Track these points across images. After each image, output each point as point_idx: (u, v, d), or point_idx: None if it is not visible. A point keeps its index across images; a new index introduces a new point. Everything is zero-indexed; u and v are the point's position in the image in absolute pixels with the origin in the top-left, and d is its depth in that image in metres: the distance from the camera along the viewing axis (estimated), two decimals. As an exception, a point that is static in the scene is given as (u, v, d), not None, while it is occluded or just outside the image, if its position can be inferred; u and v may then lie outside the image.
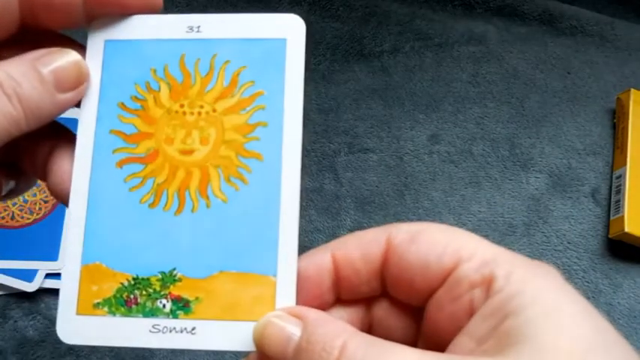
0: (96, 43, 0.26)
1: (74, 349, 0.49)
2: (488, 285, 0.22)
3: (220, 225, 0.24)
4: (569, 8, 0.65)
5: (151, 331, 0.24)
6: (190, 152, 0.25)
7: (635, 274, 0.54)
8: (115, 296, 0.24)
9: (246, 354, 0.24)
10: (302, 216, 0.57)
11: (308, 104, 0.61)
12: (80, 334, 0.24)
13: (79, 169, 0.25)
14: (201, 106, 0.26)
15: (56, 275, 0.51)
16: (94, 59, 0.26)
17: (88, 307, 0.24)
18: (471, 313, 0.22)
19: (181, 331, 0.24)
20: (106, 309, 0.24)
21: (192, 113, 0.25)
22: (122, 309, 0.24)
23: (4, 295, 0.51)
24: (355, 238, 0.25)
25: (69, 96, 0.25)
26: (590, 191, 0.57)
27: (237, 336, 0.23)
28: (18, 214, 0.53)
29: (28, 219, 0.53)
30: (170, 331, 0.24)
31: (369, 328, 0.26)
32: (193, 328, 0.24)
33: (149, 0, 0.26)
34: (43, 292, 0.51)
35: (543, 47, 0.63)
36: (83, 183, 0.25)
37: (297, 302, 0.24)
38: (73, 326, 0.24)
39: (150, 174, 0.25)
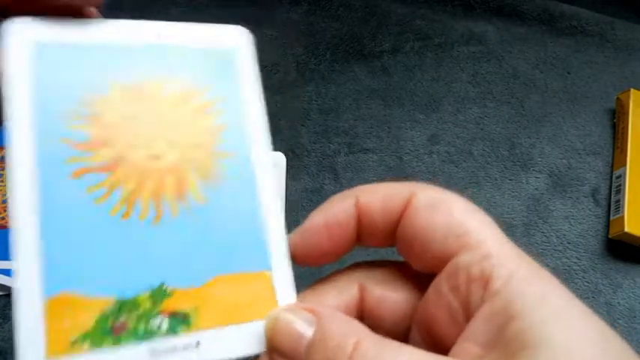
0: (19, 44, 0.23)
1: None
2: (485, 283, 0.21)
3: (204, 228, 0.23)
4: (569, 8, 0.65)
5: (152, 356, 0.21)
6: (158, 157, 0.24)
7: (635, 274, 0.54)
8: (97, 327, 0.21)
9: (255, 358, 0.23)
10: (302, 216, 0.57)
11: (308, 104, 0.61)
12: None
13: (19, 186, 0.21)
14: (161, 111, 0.24)
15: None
16: (18, 63, 0.22)
17: (62, 346, 0.20)
18: (466, 307, 0.22)
19: (185, 348, 0.22)
20: (87, 344, 0.21)
21: (151, 119, 0.24)
22: (109, 339, 0.21)
23: (4, 295, 0.51)
24: (381, 189, 0.25)
25: None
26: (590, 191, 0.57)
27: (244, 339, 0.22)
28: (18, 214, 0.53)
29: (28, 219, 0.53)
30: (173, 351, 0.21)
31: (361, 316, 0.25)
32: (197, 342, 0.22)
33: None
34: (43, 292, 0.51)
35: (543, 47, 0.63)
36: (29, 202, 0.21)
37: (324, 248, 0.24)
38: None
39: (115, 183, 0.23)
